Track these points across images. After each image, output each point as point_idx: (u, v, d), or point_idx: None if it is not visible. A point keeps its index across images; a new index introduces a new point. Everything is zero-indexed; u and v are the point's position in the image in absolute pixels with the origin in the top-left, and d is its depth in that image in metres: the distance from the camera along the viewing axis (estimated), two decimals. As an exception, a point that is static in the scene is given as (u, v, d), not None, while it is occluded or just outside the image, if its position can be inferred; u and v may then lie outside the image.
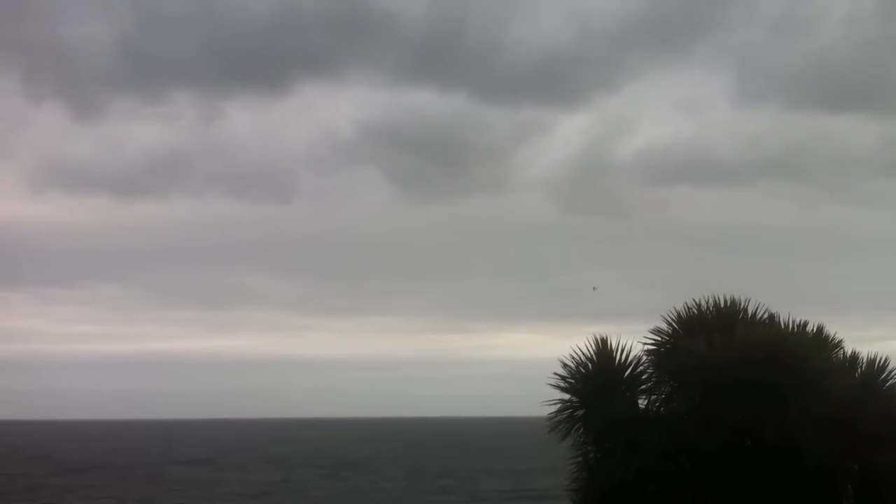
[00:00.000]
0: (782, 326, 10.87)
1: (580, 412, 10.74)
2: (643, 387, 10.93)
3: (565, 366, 10.82)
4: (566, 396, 10.81)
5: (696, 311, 11.08)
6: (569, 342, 10.92)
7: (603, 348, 10.80)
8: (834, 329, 11.00)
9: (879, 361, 10.88)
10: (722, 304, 11.08)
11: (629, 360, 10.86)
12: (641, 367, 10.92)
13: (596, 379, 10.71)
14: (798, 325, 10.89)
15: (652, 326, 11.04)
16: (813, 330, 10.90)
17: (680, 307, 11.12)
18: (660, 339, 11.03)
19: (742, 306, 11.09)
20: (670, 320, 11.06)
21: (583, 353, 10.80)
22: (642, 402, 10.95)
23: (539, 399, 10.85)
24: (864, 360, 10.92)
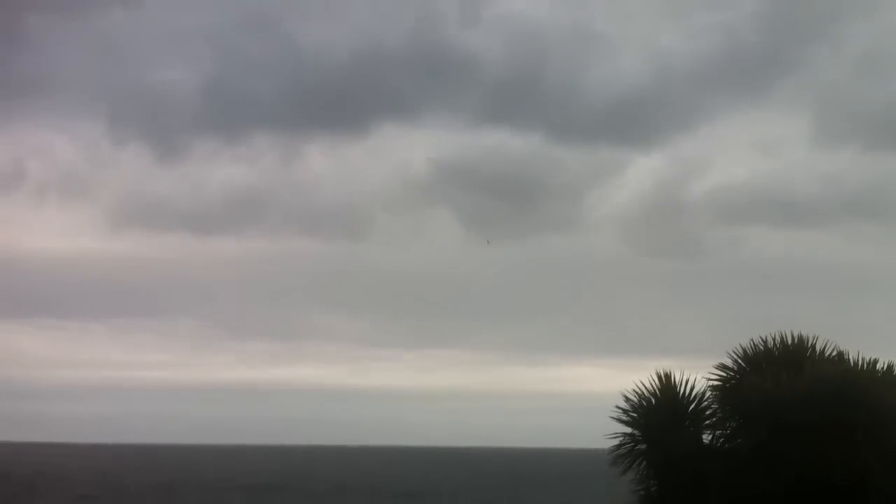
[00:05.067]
0: (851, 364, 10.69)
1: (642, 446, 10.65)
2: (707, 422, 10.80)
3: (628, 399, 10.76)
4: (629, 430, 10.73)
5: (762, 348, 10.94)
6: (634, 377, 10.87)
7: (666, 383, 10.72)
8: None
9: (951, 402, 10.61)
10: (789, 342, 10.93)
11: (693, 394, 10.76)
12: (706, 403, 10.81)
13: (658, 413, 10.61)
14: (868, 363, 10.70)
15: (721, 362, 10.93)
16: (883, 368, 10.69)
17: (748, 344, 10.99)
18: (725, 374, 10.91)
19: (810, 343, 10.93)
20: (736, 356, 10.94)
21: (646, 388, 10.73)
22: (706, 438, 10.82)
23: (603, 432, 10.79)
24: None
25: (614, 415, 10.78)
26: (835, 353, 10.87)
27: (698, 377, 10.82)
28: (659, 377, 10.77)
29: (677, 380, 10.75)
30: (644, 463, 10.65)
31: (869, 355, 10.73)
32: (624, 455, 10.67)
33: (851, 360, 10.73)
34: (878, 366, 10.70)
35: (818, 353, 10.87)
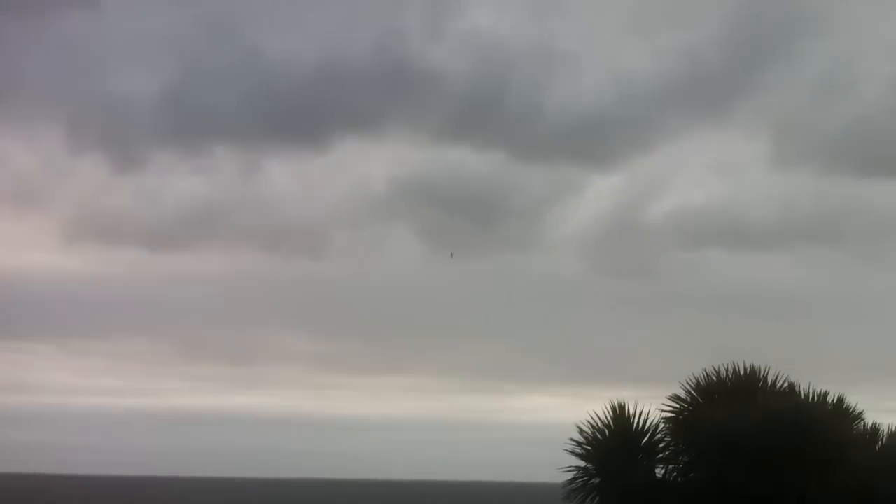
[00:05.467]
0: (802, 396, 10.74)
1: (595, 480, 10.58)
2: (661, 455, 10.77)
3: (582, 432, 10.70)
4: (582, 463, 10.67)
5: (715, 379, 10.95)
6: (591, 406, 10.81)
7: (620, 414, 10.66)
8: (856, 399, 10.88)
9: (901, 434, 10.73)
10: (742, 372, 10.95)
11: (647, 427, 10.73)
12: (659, 435, 10.78)
13: (612, 446, 10.56)
14: (819, 396, 10.76)
15: (676, 391, 10.94)
16: (833, 400, 10.76)
17: (701, 374, 11.01)
18: (678, 406, 10.90)
19: (762, 375, 10.96)
20: (689, 388, 10.94)
21: (600, 420, 10.68)
22: (659, 471, 10.79)
23: (559, 465, 10.71)
24: (886, 432, 10.78)
25: (569, 447, 10.73)
26: (786, 384, 10.91)
27: (652, 408, 10.81)
28: (613, 408, 10.71)
29: (631, 411, 10.71)
30: (597, 497, 10.58)
31: (820, 387, 10.81)
32: (578, 489, 10.60)
33: (802, 393, 10.79)
34: (829, 398, 10.77)
35: (770, 384, 10.91)
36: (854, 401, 10.82)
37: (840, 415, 10.70)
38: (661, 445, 10.76)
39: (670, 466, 10.77)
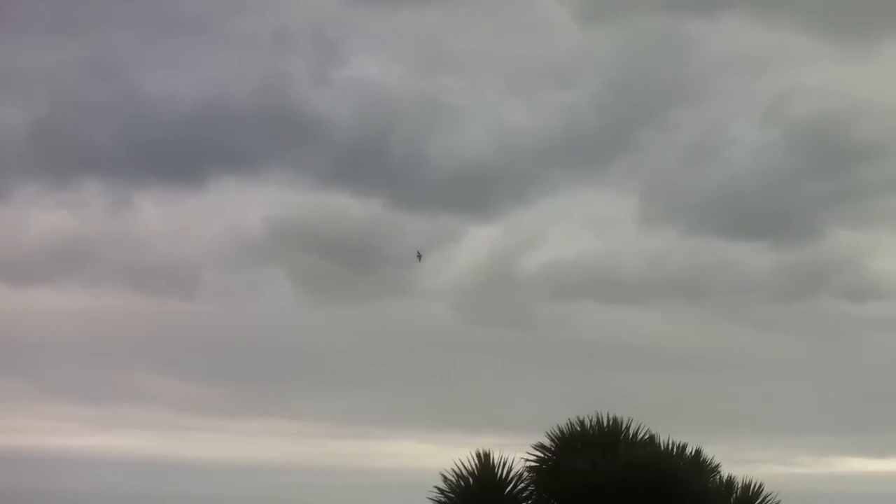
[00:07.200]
0: (662, 447, 10.97)
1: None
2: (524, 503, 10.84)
3: (446, 479, 10.70)
4: (446, 511, 10.65)
5: (578, 429, 11.11)
6: (458, 453, 10.81)
7: (485, 462, 10.70)
8: (713, 450, 11.16)
9: (754, 487, 11.05)
10: (605, 423, 11.14)
11: (511, 475, 10.79)
12: (523, 484, 10.86)
13: (475, 495, 10.58)
14: (678, 447, 11.00)
15: (541, 440, 11.03)
16: (692, 452, 11.01)
17: (565, 423, 11.14)
18: (542, 455, 11.01)
19: (625, 425, 11.17)
20: (553, 437, 11.07)
21: (464, 467, 10.70)
22: (522, 520, 10.83)
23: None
24: (740, 485, 11.08)
25: (432, 496, 10.70)
26: (647, 435, 11.13)
27: (517, 457, 10.88)
28: (478, 456, 10.75)
29: (496, 459, 10.76)
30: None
31: (679, 438, 11.05)
32: (440, 536, 10.56)
33: (662, 444, 11.01)
34: (687, 450, 11.02)
35: (632, 435, 11.11)
36: (711, 452, 11.12)
37: (698, 466, 10.95)
38: (524, 494, 10.83)
39: (533, 515, 10.83)
